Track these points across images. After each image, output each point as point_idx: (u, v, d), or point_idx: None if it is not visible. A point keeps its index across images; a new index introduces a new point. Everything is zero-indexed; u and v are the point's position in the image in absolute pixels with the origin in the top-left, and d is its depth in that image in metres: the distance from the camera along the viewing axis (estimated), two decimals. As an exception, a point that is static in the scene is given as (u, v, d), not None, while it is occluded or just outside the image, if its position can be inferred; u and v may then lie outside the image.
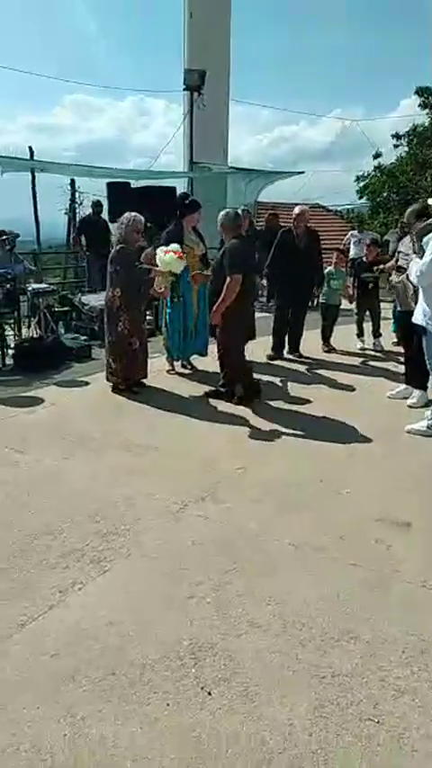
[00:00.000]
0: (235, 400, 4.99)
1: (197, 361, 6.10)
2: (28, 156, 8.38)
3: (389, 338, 7.21)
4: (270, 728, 1.85)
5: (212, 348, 6.07)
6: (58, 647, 2.18)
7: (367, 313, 7.16)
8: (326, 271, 6.93)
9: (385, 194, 23.18)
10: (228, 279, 4.69)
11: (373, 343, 7.15)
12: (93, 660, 2.12)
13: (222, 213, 5.18)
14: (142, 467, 3.76)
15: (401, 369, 5.59)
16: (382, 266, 6.38)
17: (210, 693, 1.99)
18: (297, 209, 6.63)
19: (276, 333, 6.68)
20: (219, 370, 5.25)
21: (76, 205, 16.37)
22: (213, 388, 5.23)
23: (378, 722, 1.88)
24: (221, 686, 2.02)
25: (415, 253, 4.42)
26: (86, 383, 5.61)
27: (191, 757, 1.75)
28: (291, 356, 6.65)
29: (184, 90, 10.99)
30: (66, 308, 7.84)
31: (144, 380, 5.44)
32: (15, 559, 2.73)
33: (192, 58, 12.74)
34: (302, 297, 6.69)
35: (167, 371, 5.90)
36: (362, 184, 23.91)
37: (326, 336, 7.11)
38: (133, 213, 5.28)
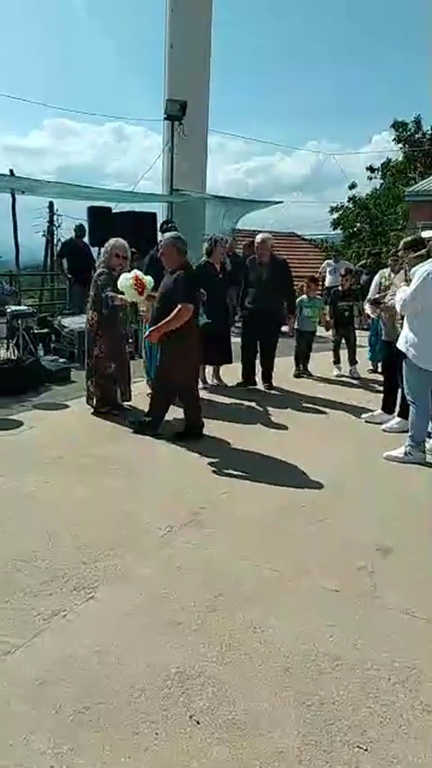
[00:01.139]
0: (167, 436, 4.74)
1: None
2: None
3: (365, 366, 7.38)
4: (259, 757, 1.85)
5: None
6: (43, 677, 2.14)
7: (343, 341, 7.30)
8: (298, 299, 7.04)
9: (358, 225, 23.86)
10: (178, 307, 4.44)
11: (350, 371, 7.28)
12: (79, 689, 2.09)
13: (176, 236, 4.88)
14: (124, 491, 3.75)
15: (377, 395, 5.71)
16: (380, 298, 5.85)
17: (198, 722, 1.97)
18: (258, 238, 6.46)
19: (243, 362, 6.55)
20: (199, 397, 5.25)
21: (54, 227, 16.42)
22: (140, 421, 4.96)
23: (366, 750, 1.89)
24: (209, 715, 2.00)
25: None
26: (66, 406, 5.58)
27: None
28: (262, 387, 6.49)
29: (165, 119, 11.19)
30: (45, 331, 7.82)
31: (127, 403, 5.44)
32: (-3, 586, 2.68)
33: (172, 87, 12.99)
34: (269, 326, 6.41)
35: (148, 395, 5.90)
36: (335, 215, 24.59)
37: (298, 362, 7.24)
38: (116, 238, 5.34)
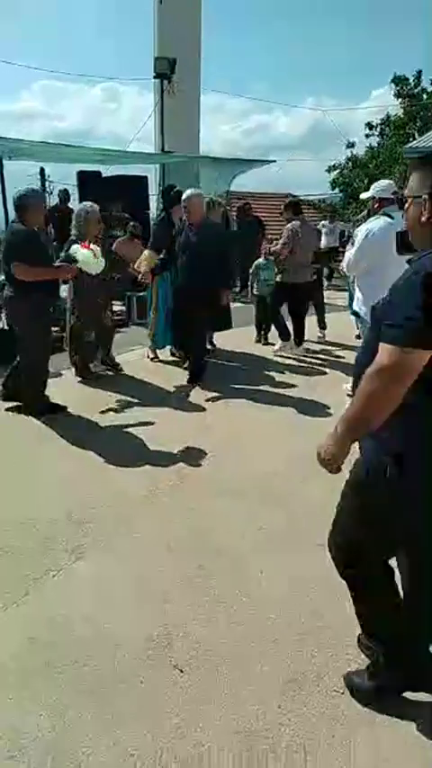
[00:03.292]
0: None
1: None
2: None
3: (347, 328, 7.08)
4: (240, 709, 1.92)
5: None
6: (34, 635, 2.21)
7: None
8: (255, 263, 6.77)
9: (356, 184, 23.41)
10: None
11: (318, 336, 7.06)
12: (68, 645, 2.17)
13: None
14: (114, 456, 3.79)
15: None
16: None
17: (182, 671, 2.05)
18: (185, 194, 5.19)
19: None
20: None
21: (47, 194, 16.14)
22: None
23: (342, 693, 1.97)
24: (193, 666, 2.08)
25: None
26: (59, 374, 5.59)
27: (165, 730, 1.82)
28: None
29: (154, 78, 10.92)
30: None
31: (116, 369, 5.62)
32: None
33: (162, 45, 12.61)
34: (198, 300, 5.15)
35: (151, 359, 5.98)
36: (333, 174, 24.12)
37: (259, 329, 6.95)
38: (89, 203, 5.27)
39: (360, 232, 4.23)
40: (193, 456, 3.80)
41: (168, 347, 6.15)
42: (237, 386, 5.31)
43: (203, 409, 4.73)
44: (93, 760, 1.73)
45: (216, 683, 2.01)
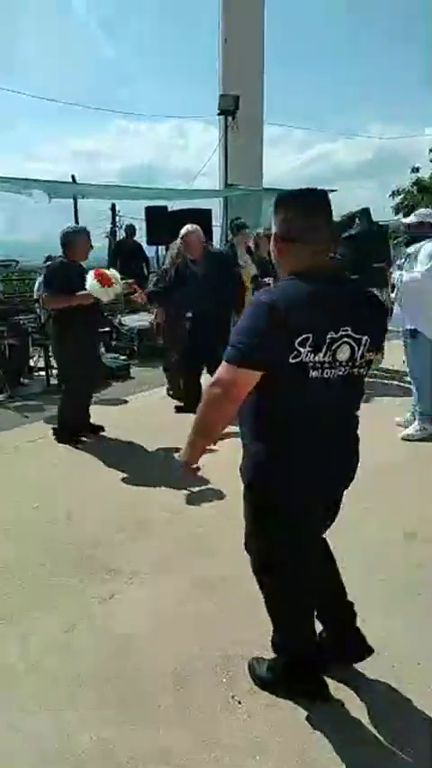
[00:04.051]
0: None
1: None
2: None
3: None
4: (298, 739, 1.91)
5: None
6: (97, 653, 2.29)
7: None
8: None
9: (421, 208, 22.91)
10: None
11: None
12: (128, 667, 2.22)
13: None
14: (164, 480, 3.84)
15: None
16: None
17: (240, 702, 2.06)
18: (183, 231, 5.16)
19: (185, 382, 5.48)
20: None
21: (117, 229, 16.86)
22: None
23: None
24: (251, 697, 2.08)
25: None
26: (125, 401, 5.78)
27: (222, 760, 1.83)
28: None
29: (218, 115, 11.27)
30: (106, 329, 8.09)
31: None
32: (52, 569, 2.86)
33: (227, 82, 13.04)
34: (212, 333, 4.99)
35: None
36: (397, 199, 23.81)
37: None
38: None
39: (424, 250, 4.31)
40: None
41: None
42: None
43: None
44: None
45: (274, 718, 2.01)
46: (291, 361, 1.60)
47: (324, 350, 1.61)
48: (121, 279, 4.37)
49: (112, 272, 4.36)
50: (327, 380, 1.65)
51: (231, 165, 11.13)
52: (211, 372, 5.39)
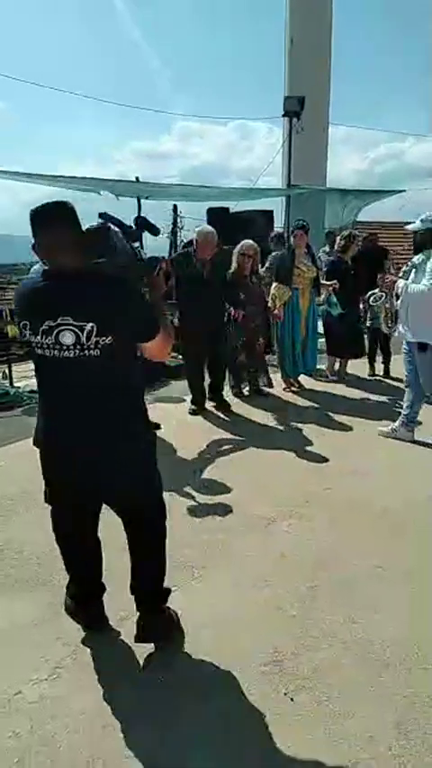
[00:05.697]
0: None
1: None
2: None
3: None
4: (348, 738, 1.92)
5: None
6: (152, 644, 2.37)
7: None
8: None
9: None
10: None
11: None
12: (185, 658, 2.29)
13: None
14: (232, 479, 3.92)
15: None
16: None
17: (293, 699, 2.09)
18: (196, 234, 5.34)
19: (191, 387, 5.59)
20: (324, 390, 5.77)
21: (178, 229, 17.10)
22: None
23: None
24: (304, 694, 2.11)
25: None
26: (182, 399, 5.88)
27: (273, 755, 1.86)
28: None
29: (283, 116, 11.24)
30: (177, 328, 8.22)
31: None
32: (116, 561, 2.96)
33: (292, 84, 13.01)
34: (216, 335, 5.42)
35: (284, 389, 6.17)
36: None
37: (372, 360, 6.87)
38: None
39: (431, 261, 4.12)
40: (313, 482, 3.83)
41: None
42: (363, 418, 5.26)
43: (330, 440, 4.75)
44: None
45: (324, 715, 2.02)
46: (26, 339, 1.98)
47: (43, 334, 1.91)
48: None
49: None
50: (58, 359, 1.92)
51: (295, 166, 11.08)
52: (210, 370, 5.61)
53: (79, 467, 2.09)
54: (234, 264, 5.55)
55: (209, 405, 5.60)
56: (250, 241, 5.70)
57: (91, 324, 1.88)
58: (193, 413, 5.47)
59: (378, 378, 6.80)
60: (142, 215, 2.56)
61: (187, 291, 5.24)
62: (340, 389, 6.29)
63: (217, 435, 4.88)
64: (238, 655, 2.29)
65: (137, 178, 9.09)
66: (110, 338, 1.90)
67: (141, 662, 2.28)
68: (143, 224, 2.47)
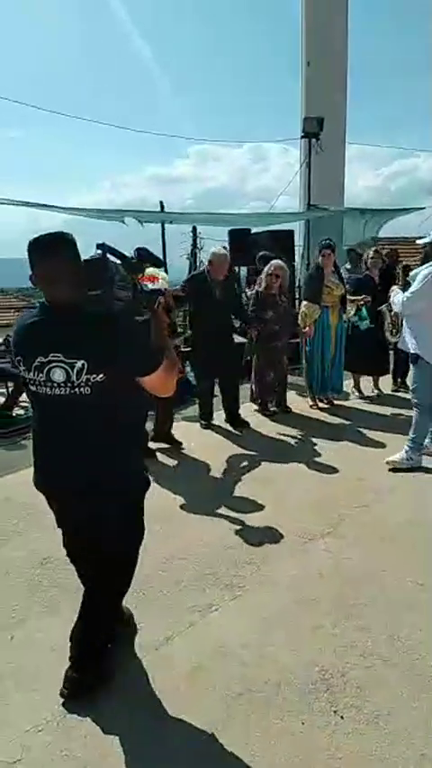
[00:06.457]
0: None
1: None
2: (158, 209, 9.15)
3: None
4: (403, 755, 1.93)
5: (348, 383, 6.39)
6: (198, 662, 2.40)
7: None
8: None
9: None
10: None
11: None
12: (230, 676, 2.32)
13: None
14: (267, 499, 3.95)
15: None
16: None
17: (342, 717, 2.10)
18: (210, 256, 5.52)
19: (201, 402, 5.81)
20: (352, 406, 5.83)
21: (198, 250, 17.28)
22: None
23: None
24: (352, 711, 2.12)
25: None
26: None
27: (326, 774, 1.88)
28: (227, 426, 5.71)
29: (302, 138, 11.39)
30: (189, 349, 8.32)
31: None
32: (154, 581, 3.01)
33: (310, 104, 13.17)
34: (224, 354, 5.56)
35: (310, 407, 6.21)
36: None
37: (395, 377, 6.84)
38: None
39: (420, 275, 4.16)
40: (348, 500, 3.85)
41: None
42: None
43: (363, 455, 4.76)
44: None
45: (374, 732, 2.04)
46: (21, 374, 1.99)
47: (35, 370, 1.91)
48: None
49: (153, 271, 4.49)
50: (49, 396, 1.92)
51: (313, 186, 11.20)
52: (221, 386, 5.78)
53: (67, 509, 2.14)
54: (263, 284, 5.75)
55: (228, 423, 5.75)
56: (279, 262, 5.87)
57: (82, 361, 1.86)
58: (205, 427, 5.66)
59: (404, 391, 6.77)
60: (145, 246, 2.41)
61: (201, 311, 5.47)
62: (369, 406, 6.30)
63: (245, 453, 4.91)
64: (285, 673, 2.32)
65: (161, 203, 9.27)
66: (101, 375, 1.87)
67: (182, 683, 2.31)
68: (145, 256, 2.36)
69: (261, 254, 8.07)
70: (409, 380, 6.10)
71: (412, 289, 4.19)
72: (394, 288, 4.56)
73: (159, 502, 3.97)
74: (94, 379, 1.87)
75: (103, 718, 2.12)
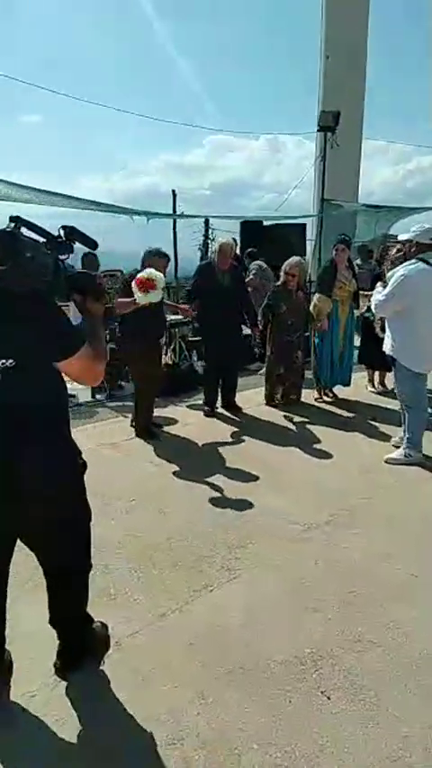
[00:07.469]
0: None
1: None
2: (171, 198, 9.18)
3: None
4: (386, 736, 1.97)
5: (356, 377, 6.38)
6: (193, 639, 2.45)
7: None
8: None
9: None
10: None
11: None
12: (222, 654, 2.36)
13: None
14: (269, 485, 3.99)
15: None
16: None
17: (329, 698, 2.14)
18: (216, 245, 5.84)
19: (206, 389, 5.94)
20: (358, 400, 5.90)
21: (209, 241, 17.27)
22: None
23: None
24: (340, 692, 2.16)
25: None
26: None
27: (312, 748, 1.92)
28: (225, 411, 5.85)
29: (317, 131, 11.34)
30: (198, 338, 8.35)
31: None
32: (152, 560, 3.06)
33: (327, 98, 13.10)
34: (231, 343, 5.79)
35: (316, 399, 6.25)
36: None
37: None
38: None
39: (395, 275, 4.16)
40: (352, 491, 3.88)
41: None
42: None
43: (369, 447, 4.78)
44: (245, 759, 1.89)
45: (360, 713, 2.07)
46: None
47: None
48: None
49: (150, 273, 4.45)
50: None
51: (327, 181, 11.16)
52: (225, 379, 5.85)
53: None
54: (282, 279, 5.90)
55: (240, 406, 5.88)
56: (296, 259, 5.97)
57: None
58: (208, 414, 5.73)
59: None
60: (72, 224, 2.01)
61: (208, 299, 5.55)
62: (375, 399, 6.31)
63: (248, 441, 4.95)
64: (276, 653, 2.36)
65: (174, 192, 9.27)
66: (10, 361, 1.73)
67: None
68: (75, 234, 2.01)
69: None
70: (388, 382, 6.21)
71: (384, 291, 4.21)
72: (378, 286, 4.52)
73: (160, 484, 4.05)
74: (2, 364, 1.73)
75: (92, 686, 2.18)
